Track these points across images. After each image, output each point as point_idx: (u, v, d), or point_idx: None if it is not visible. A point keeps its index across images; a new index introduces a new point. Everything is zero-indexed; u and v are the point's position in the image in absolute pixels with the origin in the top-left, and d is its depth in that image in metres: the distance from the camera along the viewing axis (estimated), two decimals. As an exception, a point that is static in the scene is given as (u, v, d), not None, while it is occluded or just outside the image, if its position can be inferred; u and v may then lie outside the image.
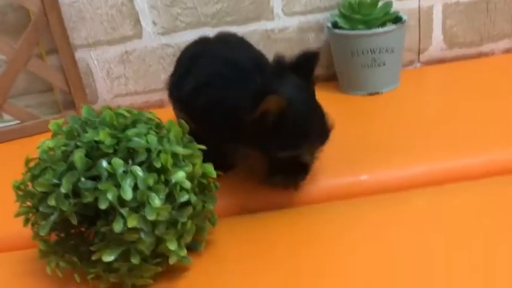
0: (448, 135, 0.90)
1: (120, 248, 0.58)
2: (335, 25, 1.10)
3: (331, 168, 0.84)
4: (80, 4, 1.13)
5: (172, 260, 0.61)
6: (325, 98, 1.12)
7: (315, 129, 0.73)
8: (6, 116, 1.20)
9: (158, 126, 0.67)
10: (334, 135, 0.93)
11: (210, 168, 0.66)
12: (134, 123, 0.64)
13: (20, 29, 1.13)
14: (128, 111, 0.65)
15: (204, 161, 0.85)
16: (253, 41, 1.15)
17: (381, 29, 1.04)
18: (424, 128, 0.94)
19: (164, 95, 1.18)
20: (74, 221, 0.58)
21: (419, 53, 1.23)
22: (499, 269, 0.60)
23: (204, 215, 0.66)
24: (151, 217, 0.56)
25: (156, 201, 0.57)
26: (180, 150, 0.61)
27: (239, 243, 0.71)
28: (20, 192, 0.63)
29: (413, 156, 0.85)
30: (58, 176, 0.58)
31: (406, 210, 0.73)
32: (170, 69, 0.94)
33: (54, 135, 0.64)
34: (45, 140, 0.64)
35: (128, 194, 0.56)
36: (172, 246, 0.60)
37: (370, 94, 1.10)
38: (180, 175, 0.60)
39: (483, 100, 1.02)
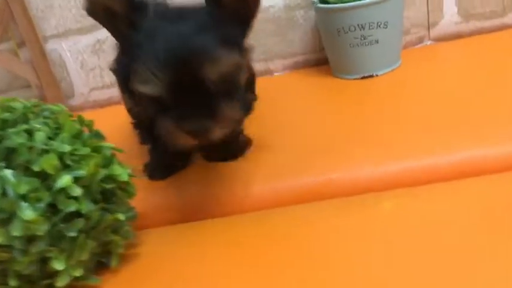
0: (455, 127, 0.73)
1: (-9, 269, 0.48)
2: (323, 1, 0.96)
3: (298, 164, 0.72)
4: None
5: (62, 281, 0.51)
6: (315, 83, 1.01)
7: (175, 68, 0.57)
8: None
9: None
10: (313, 125, 0.83)
11: (119, 170, 0.56)
12: (26, 118, 0.54)
13: None
14: (23, 104, 0.56)
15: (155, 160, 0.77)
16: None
17: (366, 0, 0.88)
18: (422, 118, 0.77)
19: None
20: None
21: (428, 28, 1.06)
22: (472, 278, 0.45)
23: (108, 227, 0.55)
24: (17, 232, 0.46)
25: (28, 212, 0.47)
26: (66, 148, 0.51)
27: (164, 257, 0.60)
28: None
29: (400, 151, 0.70)
30: None
31: (371, 214, 0.59)
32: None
33: None
34: None
35: None
36: (59, 265, 0.50)
37: (364, 78, 0.95)
38: (65, 180, 0.49)
39: (506, 82, 0.83)
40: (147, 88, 0.58)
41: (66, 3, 1.06)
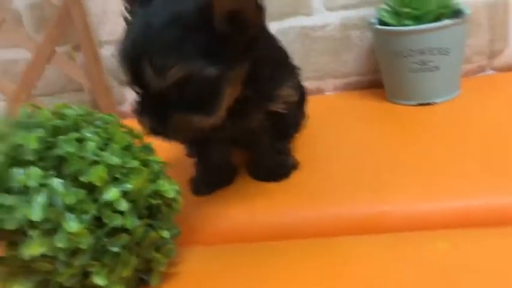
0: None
1: (33, 279, 0.48)
2: (381, 22, 0.94)
3: (347, 192, 0.70)
4: None
5: (101, 297, 0.50)
6: (368, 108, 0.98)
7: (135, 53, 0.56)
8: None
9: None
10: (364, 151, 0.79)
11: (167, 186, 0.55)
12: (78, 127, 0.54)
13: None
14: (75, 111, 0.55)
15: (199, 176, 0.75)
16: (288, 39, 1.03)
17: (431, 25, 0.86)
18: (483, 153, 0.73)
19: None
20: None
21: (491, 58, 1.02)
22: None
23: (152, 244, 0.53)
24: (61, 244, 0.46)
25: (73, 224, 0.46)
26: (115, 161, 0.50)
27: (204, 277, 0.58)
28: None
29: (458, 188, 0.66)
30: None
31: (423, 255, 0.56)
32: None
33: None
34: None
35: (36, 213, 0.45)
36: (100, 280, 0.49)
37: (421, 105, 0.92)
38: (112, 193, 0.49)
39: None
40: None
41: (120, 9, 1.07)
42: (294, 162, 0.78)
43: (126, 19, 0.62)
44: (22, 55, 1.16)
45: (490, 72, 1.04)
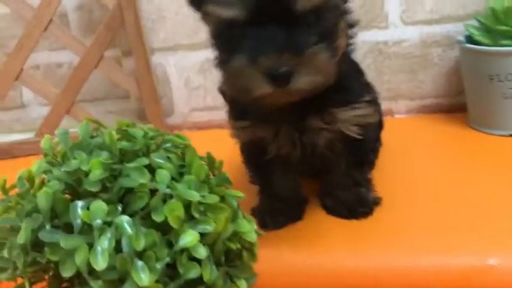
0: None
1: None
2: (470, 39, 0.85)
3: (441, 237, 0.60)
4: (161, 1, 1.00)
5: None
6: (447, 135, 0.88)
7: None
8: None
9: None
10: (450, 187, 0.70)
11: (247, 226, 0.46)
12: (148, 150, 0.46)
13: None
14: (143, 131, 0.47)
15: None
16: (358, 54, 0.93)
17: None
18: None
19: None
20: (29, 284, 0.40)
21: None
22: None
23: None
24: None
25: (144, 275, 0.38)
26: (195, 196, 0.41)
27: None
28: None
29: None
30: (22, 217, 0.41)
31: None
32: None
33: (45, 155, 0.48)
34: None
35: (100, 261, 0.37)
36: None
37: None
38: (190, 238, 0.40)
39: None
40: (223, 9, 0.52)
41: (179, 17, 1.01)
42: (375, 197, 0.68)
43: None
44: (66, 58, 1.11)
45: None
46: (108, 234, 0.38)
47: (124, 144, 0.45)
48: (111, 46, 1.03)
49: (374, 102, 0.65)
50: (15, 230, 0.41)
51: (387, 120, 0.95)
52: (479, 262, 0.56)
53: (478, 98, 0.85)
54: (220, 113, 1.03)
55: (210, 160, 0.48)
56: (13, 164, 1.02)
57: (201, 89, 1.05)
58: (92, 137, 0.47)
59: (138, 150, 0.46)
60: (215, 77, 1.00)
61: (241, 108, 0.62)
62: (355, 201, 0.67)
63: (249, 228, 0.46)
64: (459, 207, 0.66)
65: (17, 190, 0.47)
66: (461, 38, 0.86)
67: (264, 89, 0.50)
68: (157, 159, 0.45)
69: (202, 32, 0.98)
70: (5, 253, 0.41)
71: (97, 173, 0.41)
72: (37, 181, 0.44)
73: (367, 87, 0.65)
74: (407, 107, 0.99)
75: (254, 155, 0.66)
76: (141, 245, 0.39)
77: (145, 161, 0.44)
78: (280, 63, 0.49)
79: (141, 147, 0.46)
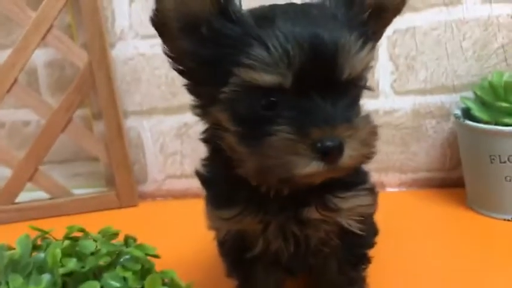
0: None
1: None
2: (467, 114, 0.81)
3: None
4: (136, 62, 0.96)
5: None
6: (444, 215, 0.83)
7: None
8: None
9: (147, 272, 0.42)
10: (449, 278, 0.64)
11: None
12: (99, 271, 0.39)
13: None
14: (94, 243, 0.41)
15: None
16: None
17: None
18: None
19: None
20: None
21: None
22: None
23: None
24: None
25: None
26: None
27: None
28: None
29: None
30: None
31: None
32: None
33: None
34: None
35: None
36: None
37: None
38: None
39: None
40: (262, 75, 0.46)
41: (156, 79, 0.95)
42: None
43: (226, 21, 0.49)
44: (33, 117, 1.04)
45: None
46: None
47: (71, 265, 0.38)
48: (82, 106, 0.96)
49: (374, 191, 0.59)
50: None
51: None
52: None
53: (478, 177, 0.81)
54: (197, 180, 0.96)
55: (173, 283, 0.40)
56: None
57: (178, 155, 0.99)
58: (35, 246, 0.40)
59: (88, 272, 0.38)
60: (194, 142, 0.95)
61: (226, 194, 0.55)
62: None
63: None
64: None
65: None
66: (458, 111, 0.82)
67: (313, 167, 0.45)
68: (111, 281, 0.38)
69: (180, 95, 0.94)
70: None
71: None
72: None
73: (367, 173, 0.59)
74: (399, 180, 0.95)
75: (235, 250, 0.59)
76: None
77: (95, 286, 0.37)
78: (335, 135, 0.45)
79: (92, 267, 0.38)
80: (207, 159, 0.58)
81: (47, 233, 0.43)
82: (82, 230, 0.44)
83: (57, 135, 0.94)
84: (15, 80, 0.92)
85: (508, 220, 0.79)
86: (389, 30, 0.82)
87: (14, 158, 0.96)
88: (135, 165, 0.99)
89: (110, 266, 0.41)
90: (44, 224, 0.89)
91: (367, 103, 0.86)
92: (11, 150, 0.97)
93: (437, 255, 0.72)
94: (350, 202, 0.54)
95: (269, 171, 0.47)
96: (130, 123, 0.98)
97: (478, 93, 0.80)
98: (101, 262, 0.40)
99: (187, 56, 0.51)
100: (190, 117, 0.92)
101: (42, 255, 0.41)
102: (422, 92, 0.89)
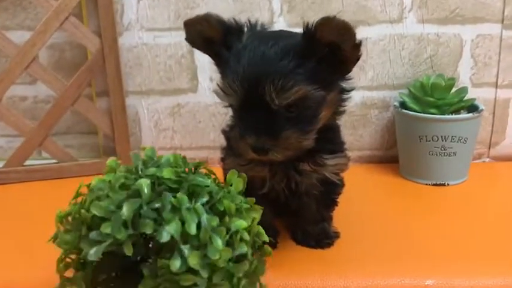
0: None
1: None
2: (403, 105, 1.11)
3: (389, 265, 0.79)
4: (140, 50, 1.17)
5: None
6: (383, 182, 1.10)
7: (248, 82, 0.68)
8: (44, 154, 1.17)
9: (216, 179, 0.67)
10: (388, 225, 0.90)
11: (262, 230, 0.64)
12: (196, 170, 0.65)
13: (74, 68, 1.17)
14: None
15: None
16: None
17: (457, 116, 1.05)
18: (493, 233, 0.88)
19: (211, 153, 1.16)
20: (129, 251, 0.55)
21: (489, 147, 1.18)
22: None
23: (255, 279, 0.62)
24: (214, 256, 0.54)
25: (219, 242, 0.56)
26: (241, 199, 0.61)
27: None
28: (65, 224, 0.61)
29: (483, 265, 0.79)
30: (117, 203, 0.57)
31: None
32: (220, 127, 0.91)
33: (110, 171, 0.63)
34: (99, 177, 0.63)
35: (193, 229, 0.54)
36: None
37: (435, 185, 1.07)
38: (241, 224, 0.59)
39: None
40: (226, 98, 0.71)
41: (155, 66, 1.16)
42: (335, 231, 0.87)
43: (226, 51, 0.72)
44: (31, 93, 1.21)
45: (487, 160, 1.20)
46: (193, 214, 0.56)
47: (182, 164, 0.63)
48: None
49: (347, 156, 0.83)
50: (112, 212, 0.56)
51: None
52: (419, 283, 0.75)
53: (409, 153, 1.11)
54: (186, 152, 1.18)
55: (243, 179, 0.65)
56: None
57: (169, 131, 1.20)
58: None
59: (190, 170, 0.64)
60: (184, 120, 1.16)
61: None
62: (320, 234, 0.85)
63: (263, 232, 0.63)
64: (398, 240, 0.87)
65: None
66: (396, 103, 1.11)
67: (251, 155, 0.71)
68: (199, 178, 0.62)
69: (175, 80, 1.15)
70: (106, 228, 0.55)
71: (173, 177, 0.59)
72: (116, 184, 0.59)
73: (344, 144, 0.84)
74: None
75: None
76: (214, 223, 0.56)
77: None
78: (258, 143, 0.69)
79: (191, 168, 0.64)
80: (231, 122, 0.82)
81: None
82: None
83: (68, 108, 1.13)
84: (34, 58, 1.09)
85: (431, 184, 1.07)
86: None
87: (26, 125, 1.12)
88: (131, 137, 1.20)
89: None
90: (51, 184, 1.07)
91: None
92: (24, 120, 1.13)
93: (378, 211, 0.97)
94: (332, 161, 0.78)
95: (235, 147, 0.74)
96: (130, 101, 1.20)
97: (412, 90, 1.09)
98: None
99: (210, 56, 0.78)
100: (182, 99, 1.17)
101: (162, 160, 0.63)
102: (369, 88, 1.17)
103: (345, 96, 0.77)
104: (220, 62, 0.74)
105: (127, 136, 1.17)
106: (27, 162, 1.16)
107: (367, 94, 1.17)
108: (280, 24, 1.13)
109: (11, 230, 0.93)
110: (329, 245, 0.84)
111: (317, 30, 0.67)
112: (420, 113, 1.05)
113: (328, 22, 0.66)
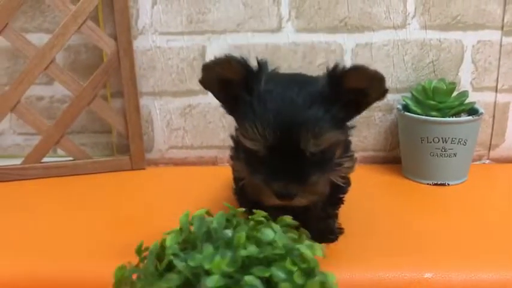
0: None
1: None
2: (405, 108, 1.15)
3: (390, 259, 0.84)
4: (153, 53, 1.22)
5: None
6: (386, 181, 1.15)
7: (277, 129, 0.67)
8: (59, 152, 1.23)
9: (311, 271, 0.52)
10: (390, 222, 0.95)
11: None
12: (272, 259, 0.50)
13: (89, 69, 1.23)
14: (273, 235, 0.52)
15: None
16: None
17: (457, 119, 1.10)
18: (491, 231, 0.92)
19: (220, 153, 1.24)
20: None
21: (489, 149, 1.22)
22: None
23: None
24: None
25: None
26: None
27: None
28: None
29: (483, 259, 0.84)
30: None
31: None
32: (230, 128, 0.95)
33: (181, 231, 0.55)
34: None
35: None
36: None
37: (436, 184, 1.12)
38: None
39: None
40: (251, 143, 0.70)
41: (168, 68, 1.21)
42: (339, 227, 0.90)
43: (247, 94, 0.71)
44: (47, 93, 1.27)
45: (487, 161, 1.24)
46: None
47: (251, 250, 0.49)
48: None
49: (354, 157, 0.85)
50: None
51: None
52: (418, 276, 0.79)
53: (411, 154, 1.15)
54: (196, 151, 1.23)
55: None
56: (-1, 187, 1.14)
57: (181, 130, 1.25)
58: (227, 220, 0.54)
59: (262, 258, 0.49)
60: (196, 120, 1.21)
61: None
62: (325, 230, 0.87)
63: None
64: (399, 235, 0.91)
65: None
66: (399, 106, 1.15)
67: (273, 201, 0.70)
68: (279, 272, 0.48)
69: (187, 82, 1.20)
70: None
71: (215, 279, 0.46)
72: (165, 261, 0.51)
73: (350, 144, 0.86)
74: (353, 158, 1.24)
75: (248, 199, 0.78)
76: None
77: (265, 272, 0.47)
78: (286, 189, 0.68)
79: (266, 256, 0.49)
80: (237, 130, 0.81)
81: (237, 211, 0.57)
82: (266, 218, 0.56)
83: (84, 107, 1.18)
84: (52, 60, 1.15)
85: (432, 184, 1.12)
86: (352, 43, 1.14)
87: (44, 124, 1.17)
88: (144, 136, 1.25)
89: (281, 258, 0.49)
90: (66, 181, 1.12)
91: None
92: (42, 119, 1.18)
93: (380, 208, 1.01)
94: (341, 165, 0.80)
95: (253, 192, 0.72)
96: (143, 102, 1.25)
97: (414, 93, 1.14)
98: (276, 251, 0.49)
99: (220, 100, 0.77)
100: (193, 100, 1.22)
101: (230, 233, 0.52)
102: (374, 91, 1.21)
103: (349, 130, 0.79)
104: (237, 106, 0.72)
105: (140, 135, 1.22)
106: (43, 160, 1.22)
107: (372, 97, 1.22)
108: (288, 29, 1.18)
109: (30, 222, 0.97)
110: (333, 240, 0.86)
111: (345, 77, 0.68)
112: (422, 115, 1.09)
113: (360, 71, 0.68)
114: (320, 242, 0.82)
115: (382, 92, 0.71)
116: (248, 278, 0.47)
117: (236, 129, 0.84)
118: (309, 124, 0.67)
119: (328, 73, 0.71)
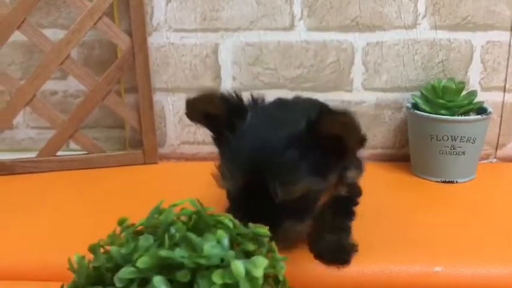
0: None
1: None
2: (415, 106, 1.17)
3: (400, 253, 0.86)
4: (167, 49, 1.24)
5: None
6: (396, 179, 1.17)
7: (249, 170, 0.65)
8: (72, 145, 1.25)
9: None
10: (400, 217, 0.97)
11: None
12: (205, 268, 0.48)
13: (102, 65, 1.26)
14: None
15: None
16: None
17: (466, 117, 1.12)
18: (498, 227, 0.95)
19: None
20: None
21: (496, 148, 1.24)
22: None
23: None
24: None
25: None
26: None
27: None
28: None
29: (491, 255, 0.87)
30: None
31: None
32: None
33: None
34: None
35: None
36: None
37: (444, 182, 1.14)
38: None
39: None
40: (224, 182, 0.70)
41: (182, 64, 1.23)
42: (354, 244, 0.84)
43: (229, 131, 0.69)
44: (60, 87, 1.30)
45: (494, 160, 1.27)
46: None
47: (170, 252, 0.48)
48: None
49: (362, 164, 0.82)
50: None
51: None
52: (428, 269, 0.82)
53: (420, 151, 1.18)
54: (208, 147, 1.26)
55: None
56: (13, 180, 1.16)
57: (193, 126, 1.26)
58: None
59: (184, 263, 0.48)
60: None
61: None
62: (336, 246, 0.81)
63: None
64: (409, 230, 0.94)
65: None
66: (409, 104, 1.18)
67: None
68: (200, 281, 0.47)
69: (200, 79, 1.22)
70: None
71: (127, 271, 0.47)
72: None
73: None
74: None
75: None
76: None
77: (184, 277, 0.47)
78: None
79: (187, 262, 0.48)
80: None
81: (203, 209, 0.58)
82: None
83: (98, 102, 1.21)
84: (68, 55, 1.17)
85: (440, 182, 1.14)
86: (363, 42, 1.16)
87: (58, 118, 1.20)
88: (157, 132, 1.27)
89: (207, 268, 0.48)
90: (80, 174, 1.15)
91: (343, 95, 1.20)
92: (56, 113, 1.20)
93: (390, 204, 1.02)
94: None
95: None
96: (156, 97, 1.27)
97: (424, 92, 1.16)
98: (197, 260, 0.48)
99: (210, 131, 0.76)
100: None
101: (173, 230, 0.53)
102: (383, 90, 1.24)
103: (345, 173, 0.75)
104: (221, 142, 0.72)
105: (154, 130, 1.24)
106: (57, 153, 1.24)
107: (381, 95, 1.24)
108: (300, 27, 1.21)
109: (44, 214, 1.00)
110: (345, 261, 0.80)
111: (319, 123, 0.65)
112: (431, 114, 1.11)
113: (333, 117, 0.65)
114: (330, 261, 0.81)
115: (359, 141, 0.68)
116: (156, 279, 0.46)
117: None
118: (279, 170, 0.64)
119: (307, 117, 0.67)
